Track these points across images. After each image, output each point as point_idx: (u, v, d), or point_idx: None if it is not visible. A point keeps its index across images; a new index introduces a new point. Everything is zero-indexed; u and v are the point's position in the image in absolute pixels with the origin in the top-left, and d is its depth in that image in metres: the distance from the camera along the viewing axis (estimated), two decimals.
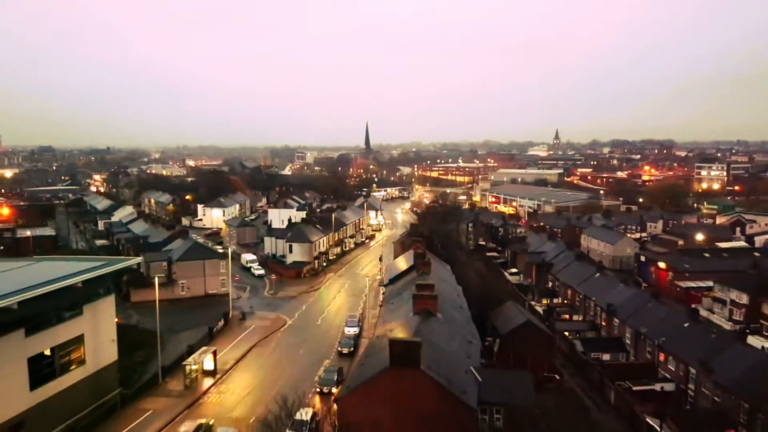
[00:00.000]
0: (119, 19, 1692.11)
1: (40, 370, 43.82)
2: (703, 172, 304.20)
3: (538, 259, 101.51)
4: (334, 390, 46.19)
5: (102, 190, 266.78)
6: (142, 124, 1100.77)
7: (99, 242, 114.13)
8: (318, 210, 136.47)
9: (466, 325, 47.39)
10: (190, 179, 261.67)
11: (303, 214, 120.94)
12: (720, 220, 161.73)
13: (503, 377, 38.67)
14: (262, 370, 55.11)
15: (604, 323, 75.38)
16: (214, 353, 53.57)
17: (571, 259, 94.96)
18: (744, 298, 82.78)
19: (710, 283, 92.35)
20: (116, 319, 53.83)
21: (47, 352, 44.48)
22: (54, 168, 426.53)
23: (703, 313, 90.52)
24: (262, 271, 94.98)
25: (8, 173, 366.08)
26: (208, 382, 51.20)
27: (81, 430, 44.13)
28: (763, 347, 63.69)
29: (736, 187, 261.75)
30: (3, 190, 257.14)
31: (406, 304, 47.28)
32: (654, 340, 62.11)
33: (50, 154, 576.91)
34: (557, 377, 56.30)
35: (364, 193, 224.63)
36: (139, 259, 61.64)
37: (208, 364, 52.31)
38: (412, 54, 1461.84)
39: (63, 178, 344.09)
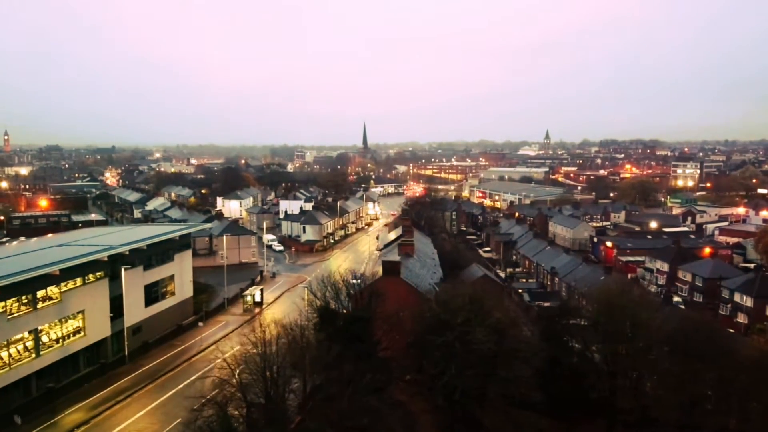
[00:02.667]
0: (119, 20, 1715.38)
1: (151, 294, 65.87)
2: (679, 171, 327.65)
3: (506, 238, 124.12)
4: None
5: (117, 185, 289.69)
6: (141, 123, 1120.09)
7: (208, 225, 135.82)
8: (323, 201, 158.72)
9: (434, 267, 69.51)
10: (200, 176, 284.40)
11: (311, 205, 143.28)
12: (676, 211, 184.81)
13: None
14: (293, 302, 77.39)
15: (548, 282, 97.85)
16: (261, 290, 76.29)
17: (530, 237, 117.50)
18: (665, 267, 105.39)
19: (642, 258, 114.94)
20: None
21: (155, 282, 66.65)
22: (66, 166, 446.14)
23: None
24: (281, 248, 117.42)
25: (24, 170, 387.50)
26: (257, 309, 73.79)
27: (183, 329, 66.01)
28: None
29: (708, 184, 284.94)
30: (27, 186, 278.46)
31: (393, 252, 69.60)
32: (579, 289, 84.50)
33: (58, 152, 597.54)
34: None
35: (363, 188, 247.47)
36: (209, 225, 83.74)
37: (258, 297, 74.90)
38: (412, 54, 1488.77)
39: (76, 175, 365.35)
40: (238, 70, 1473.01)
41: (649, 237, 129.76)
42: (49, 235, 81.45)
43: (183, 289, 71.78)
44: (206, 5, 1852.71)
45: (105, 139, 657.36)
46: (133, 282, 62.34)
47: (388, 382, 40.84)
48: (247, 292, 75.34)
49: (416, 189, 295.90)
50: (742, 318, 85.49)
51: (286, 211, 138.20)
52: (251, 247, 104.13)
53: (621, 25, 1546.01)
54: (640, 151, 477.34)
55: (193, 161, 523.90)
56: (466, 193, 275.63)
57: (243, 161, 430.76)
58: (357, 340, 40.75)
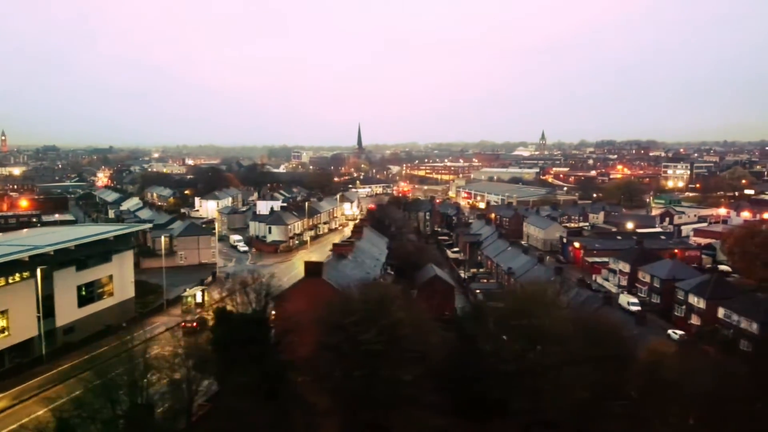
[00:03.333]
0: (118, 20, 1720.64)
1: (85, 295, 65.62)
2: (669, 171, 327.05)
3: (473, 238, 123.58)
4: None
5: (107, 185, 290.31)
6: (142, 124, 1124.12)
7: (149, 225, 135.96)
8: (295, 202, 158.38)
9: (373, 267, 69.05)
10: (189, 176, 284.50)
11: (281, 205, 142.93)
12: (656, 212, 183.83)
13: None
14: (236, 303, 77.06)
15: (507, 282, 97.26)
16: (203, 291, 75.77)
17: (495, 238, 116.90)
18: (627, 268, 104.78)
19: (607, 259, 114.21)
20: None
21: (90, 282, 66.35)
22: (59, 166, 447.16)
23: (600, 280, 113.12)
24: (246, 248, 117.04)
25: (16, 171, 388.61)
26: (198, 309, 73.36)
27: (112, 330, 65.67)
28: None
29: (697, 185, 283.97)
30: (16, 186, 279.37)
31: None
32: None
33: (54, 153, 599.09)
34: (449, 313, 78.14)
35: (345, 189, 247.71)
36: (148, 225, 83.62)
37: (199, 297, 74.45)
38: (411, 54, 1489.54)
39: (69, 175, 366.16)
40: (241, 72, 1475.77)
41: (619, 238, 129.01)
42: None
43: (123, 289, 71.50)
44: (208, 7, 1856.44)
45: (108, 141, 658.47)
46: (65, 282, 62.11)
47: (279, 384, 40.39)
48: (187, 293, 74.84)
49: (405, 189, 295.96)
50: (695, 320, 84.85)
51: (254, 212, 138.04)
52: (210, 248, 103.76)
53: (623, 27, 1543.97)
54: (634, 151, 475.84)
55: (189, 161, 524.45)
56: (452, 194, 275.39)
57: (237, 161, 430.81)
58: (253, 342, 40.36)
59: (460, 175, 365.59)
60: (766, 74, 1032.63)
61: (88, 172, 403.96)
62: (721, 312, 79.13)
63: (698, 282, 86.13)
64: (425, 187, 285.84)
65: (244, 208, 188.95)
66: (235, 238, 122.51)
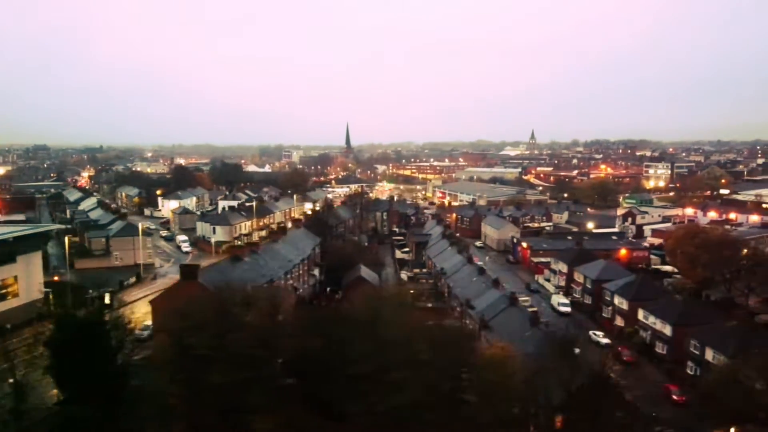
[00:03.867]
0: (117, 20, 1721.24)
1: None
2: (651, 171, 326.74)
3: (422, 238, 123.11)
4: None
5: (87, 185, 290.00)
6: (142, 124, 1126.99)
7: (63, 226, 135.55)
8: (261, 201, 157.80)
9: (278, 269, 68.59)
10: (168, 176, 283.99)
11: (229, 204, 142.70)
12: (620, 212, 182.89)
13: None
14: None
15: (440, 282, 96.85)
16: (111, 292, 75.46)
17: (440, 238, 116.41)
18: (565, 268, 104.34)
19: (549, 259, 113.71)
20: (56, 277, 75.61)
21: None
22: (45, 166, 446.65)
23: (541, 280, 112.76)
24: (189, 249, 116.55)
25: (0, 170, 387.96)
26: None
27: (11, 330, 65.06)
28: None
29: (677, 184, 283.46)
30: None
31: None
32: (458, 292, 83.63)
33: (45, 152, 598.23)
34: None
35: (329, 187, 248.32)
36: (55, 226, 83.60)
37: (107, 299, 74.07)
38: (410, 54, 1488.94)
39: (52, 175, 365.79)
40: (239, 71, 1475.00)
41: (570, 238, 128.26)
42: None
43: (30, 291, 71.00)
44: (208, 8, 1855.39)
45: (107, 141, 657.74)
46: None
47: (120, 388, 39.97)
48: (93, 293, 74.27)
49: (385, 189, 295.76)
50: (620, 321, 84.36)
51: (203, 213, 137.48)
52: (146, 248, 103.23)
53: (622, 28, 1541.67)
54: (621, 151, 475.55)
55: (181, 161, 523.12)
56: (429, 194, 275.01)
57: (222, 161, 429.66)
58: (87, 346, 39.88)
59: (444, 175, 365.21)
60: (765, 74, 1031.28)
61: (73, 171, 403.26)
62: (641, 314, 78.75)
63: (624, 283, 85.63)
64: (401, 187, 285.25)
65: (210, 208, 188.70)
66: (180, 238, 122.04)
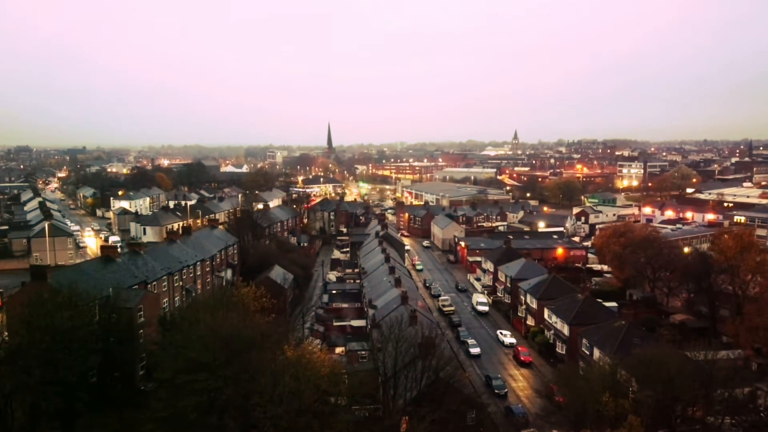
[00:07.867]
0: (113, 19, 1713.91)
1: None
2: (624, 170, 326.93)
3: (359, 239, 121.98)
4: None
5: (58, 186, 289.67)
6: (136, 123, 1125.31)
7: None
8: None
9: (160, 270, 67.17)
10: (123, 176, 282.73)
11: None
12: (576, 211, 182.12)
13: None
14: None
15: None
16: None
17: (373, 237, 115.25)
18: (492, 267, 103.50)
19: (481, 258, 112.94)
20: None
21: None
22: (22, 167, 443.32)
23: (472, 279, 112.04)
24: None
25: None
26: None
27: None
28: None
29: (650, 183, 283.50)
30: None
31: None
32: (366, 292, 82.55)
33: (26, 153, 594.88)
34: None
35: (296, 187, 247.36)
36: None
37: None
38: (409, 53, 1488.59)
39: (26, 176, 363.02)
40: (241, 74, 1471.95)
41: (511, 237, 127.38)
42: None
43: None
44: (208, 10, 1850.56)
45: (97, 142, 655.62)
46: None
47: None
48: None
49: (356, 190, 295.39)
50: (531, 320, 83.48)
51: (137, 212, 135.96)
52: (68, 249, 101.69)
53: (622, 29, 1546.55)
54: (600, 151, 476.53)
55: (166, 162, 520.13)
56: (399, 194, 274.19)
57: (199, 161, 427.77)
58: None
59: (419, 175, 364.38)
60: (762, 75, 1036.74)
61: (48, 172, 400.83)
62: (546, 313, 77.87)
63: (536, 282, 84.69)
64: (369, 187, 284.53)
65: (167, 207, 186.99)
66: (113, 239, 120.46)
